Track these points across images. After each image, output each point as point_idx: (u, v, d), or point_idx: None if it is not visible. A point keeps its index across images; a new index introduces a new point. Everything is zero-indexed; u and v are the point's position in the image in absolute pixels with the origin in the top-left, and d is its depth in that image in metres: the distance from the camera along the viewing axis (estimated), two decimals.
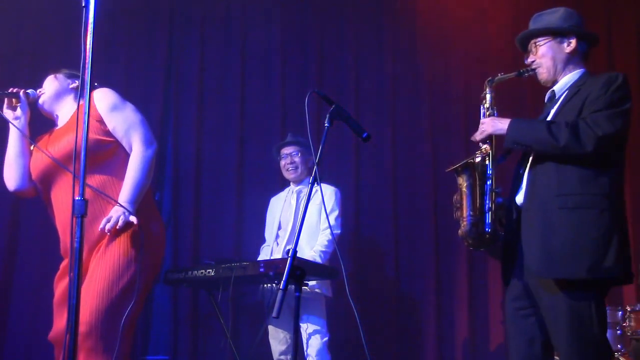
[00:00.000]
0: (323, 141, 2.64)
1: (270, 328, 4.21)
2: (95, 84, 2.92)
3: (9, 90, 2.93)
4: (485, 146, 2.78)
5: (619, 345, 4.36)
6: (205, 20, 5.37)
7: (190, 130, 5.19)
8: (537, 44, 2.83)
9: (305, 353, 4.13)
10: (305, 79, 5.43)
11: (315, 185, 2.64)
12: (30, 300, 4.52)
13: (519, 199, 2.73)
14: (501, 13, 5.58)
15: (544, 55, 2.81)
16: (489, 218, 2.73)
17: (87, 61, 2.27)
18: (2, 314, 4.56)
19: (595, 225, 2.51)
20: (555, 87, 2.82)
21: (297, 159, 4.36)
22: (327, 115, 2.69)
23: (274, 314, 2.41)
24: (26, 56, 4.90)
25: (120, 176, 2.84)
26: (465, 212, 2.75)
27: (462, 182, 2.76)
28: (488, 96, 2.87)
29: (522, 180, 2.73)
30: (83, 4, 2.25)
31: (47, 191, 2.90)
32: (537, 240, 2.57)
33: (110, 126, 2.87)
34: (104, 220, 2.72)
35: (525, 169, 2.74)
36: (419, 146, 5.46)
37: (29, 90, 2.98)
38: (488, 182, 2.74)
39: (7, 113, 2.94)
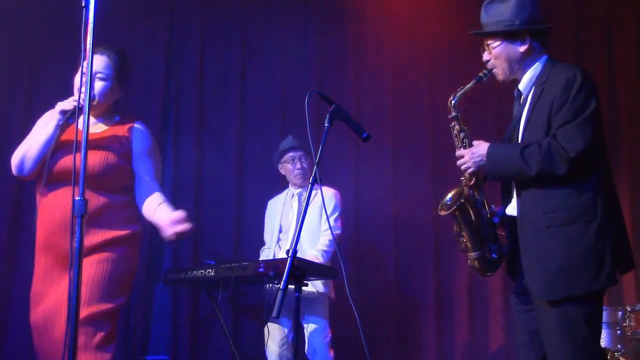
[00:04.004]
0: (323, 141, 2.64)
1: (270, 328, 4.21)
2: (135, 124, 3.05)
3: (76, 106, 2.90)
4: (469, 176, 2.77)
5: (619, 345, 4.36)
6: (205, 21, 5.37)
7: (190, 130, 5.18)
8: (490, 45, 2.75)
9: (306, 352, 4.14)
10: (305, 78, 5.43)
11: (316, 186, 2.64)
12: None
13: (511, 210, 2.73)
14: None
15: (497, 57, 2.74)
16: (491, 243, 2.76)
17: (87, 61, 2.27)
18: (2, 314, 4.56)
19: (585, 238, 2.50)
20: (520, 86, 2.76)
21: (305, 165, 4.38)
22: (327, 115, 2.70)
23: (273, 314, 2.41)
24: (26, 56, 4.90)
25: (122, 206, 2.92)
26: (469, 249, 2.77)
27: (460, 220, 2.77)
28: (455, 120, 2.83)
29: (511, 192, 2.74)
30: (83, 4, 2.25)
31: (54, 185, 2.87)
32: (534, 262, 2.58)
33: (139, 165, 2.98)
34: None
35: (510, 185, 2.75)
36: (419, 146, 5.46)
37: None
38: (483, 211, 2.76)
39: (59, 114, 2.91)
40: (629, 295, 5.05)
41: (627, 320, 4.33)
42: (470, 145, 2.77)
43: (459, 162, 2.77)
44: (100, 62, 2.95)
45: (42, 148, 2.87)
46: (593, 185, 2.54)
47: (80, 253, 2.12)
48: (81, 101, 2.79)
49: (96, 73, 2.92)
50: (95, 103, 2.92)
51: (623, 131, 5.50)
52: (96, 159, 2.85)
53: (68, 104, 2.85)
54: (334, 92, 5.05)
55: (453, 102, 2.84)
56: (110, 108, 3.04)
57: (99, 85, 2.94)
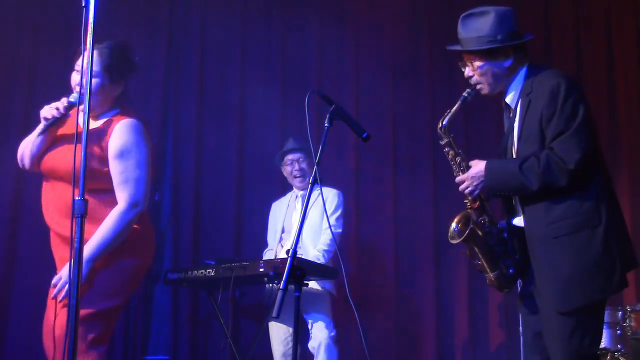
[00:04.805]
0: (323, 141, 2.64)
1: (272, 328, 4.22)
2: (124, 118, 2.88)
3: (55, 115, 2.81)
4: (472, 200, 2.75)
5: (619, 345, 4.36)
6: (205, 20, 5.37)
7: (190, 130, 5.18)
8: (474, 62, 2.71)
9: (310, 348, 4.13)
10: (305, 78, 5.43)
11: (316, 188, 2.64)
12: (30, 299, 4.51)
13: (518, 221, 2.72)
14: None
15: (483, 75, 2.71)
16: (506, 259, 2.74)
17: (87, 61, 2.27)
18: (2, 314, 4.56)
19: (594, 244, 2.49)
20: (507, 99, 2.74)
21: (304, 165, 4.37)
22: (327, 115, 2.70)
23: (273, 314, 2.41)
24: (26, 56, 4.90)
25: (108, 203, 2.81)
26: (486, 269, 2.76)
27: (472, 245, 2.75)
28: (448, 146, 2.80)
29: (513, 204, 2.74)
30: (83, 4, 2.25)
31: (48, 179, 2.90)
32: (545, 274, 2.56)
33: (110, 168, 2.82)
34: (55, 280, 2.74)
35: (513, 198, 2.74)
36: (419, 146, 5.46)
37: (72, 99, 2.81)
38: (494, 230, 2.74)
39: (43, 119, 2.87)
40: (629, 295, 5.04)
41: (627, 320, 4.33)
42: (468, 167, 2.75)
43: (460, 188, 2.74)
44: (86, 58, 2.90)
45: (34, 148, 2.88)
46: (594, 191, 2.53)
47: (80, 253, 2.12)
48: (61, 109, 2.79)
49: (85, 69, 2.89)
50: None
51: (623, 131, 5.50)
52: (70, 161, 2.76)
53: (50, 111, 2.81)
54: (334, 92, 5.06)
55: (442, 127, 2.81)
56: (109, 104, 2.94)
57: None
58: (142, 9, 5.27)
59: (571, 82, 2.56)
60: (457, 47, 2.77)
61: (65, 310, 2.71)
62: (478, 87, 2.75)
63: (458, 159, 2.80)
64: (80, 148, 2.72)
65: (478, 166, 2.69)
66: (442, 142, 2.83)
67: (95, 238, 2.72)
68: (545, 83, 2.57)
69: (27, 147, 2.90)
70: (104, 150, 2.82)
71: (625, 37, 5.63)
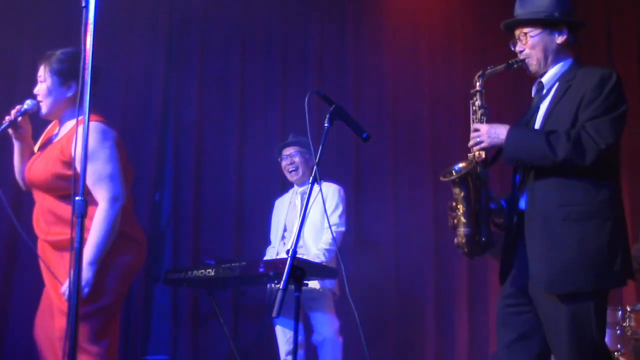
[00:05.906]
0: (323, 141, 2.64)
1: (277, 328, 4.23)
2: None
3: (6, 122, 2.87)
4: (478, 153, 2.70)
5: (618, 345, 4.36)
6: (205, 21, 5.37)
7: (190, 130, 5.18)
8: (528, 34, 2.68)
9: (314, 341, 4.15)
10: (305, 79, 5.43)
11: (316, 185, 2.64)
12: (30, 300, 4.50)
13: (521, 204, 2.66)
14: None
15: (534, 47, 2.68)
16: (484, 226, 2.68)
17: (87, 61, 2.27)
18: (2, 314, 4.56)
19: (600, 235, 2.47)
20: (544, 79, 2.71)
21: (297, 159, 4.34)
22: (327, 115, 2.70)
23: (273, 314, 2.42)
24: (26, 57, 4.89)
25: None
26: (461, 224, 2.68)
27: (459, 192, 2.67)
28: (478, 94, 2.75)
29: (521, 187, 2.67)
30: (83, 4, 2.25)
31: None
32: (543, 254, 2.51)
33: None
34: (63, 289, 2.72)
35: (522, 176, 2.68)
36: (419, 146, 5.46)
37: (26, 105, 2.89)
38: (483, 190, 2.67)
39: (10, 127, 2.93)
40: (629, 295, 5.05)
41: (627, 320, 4.34)
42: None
43: (473, 135, 2.67)
44: (40, 67, 2.97)
45: (15, 167, 3.00)
46: (610, 185, 2.53)
47: (80, 253, 2.13)
48: (12, 115, 2.87)
49: (38, 77, 2.95)
50: (38, 109, 2.91)
51: (623, 132, 5.49)
52: (39, 169, 2.85)
53: (7, 118, 2.88)
54: (334, 91, 5.06)
55: (481, 76, 2.75)
56: (66, 106, 2.94)
57: (40, 88, 2.93)
58: (142, 9, 5.27)
59: (620, 79, 2.60)
60: (512, 20, 2.75)
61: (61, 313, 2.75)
62: (527, 61, 2.72)
63: (481, 111, 2.74)
64: (48, 155, 2.81)
65: (501, 125, 2.63)
66: (473, 90, 2.77)
67: (91, 240, 2.73)
68: (596, 71, 2.59)
69: (16, 165, 3.00)
70: (66, 156, 2.81)
71: (625, 37, 5.64)
